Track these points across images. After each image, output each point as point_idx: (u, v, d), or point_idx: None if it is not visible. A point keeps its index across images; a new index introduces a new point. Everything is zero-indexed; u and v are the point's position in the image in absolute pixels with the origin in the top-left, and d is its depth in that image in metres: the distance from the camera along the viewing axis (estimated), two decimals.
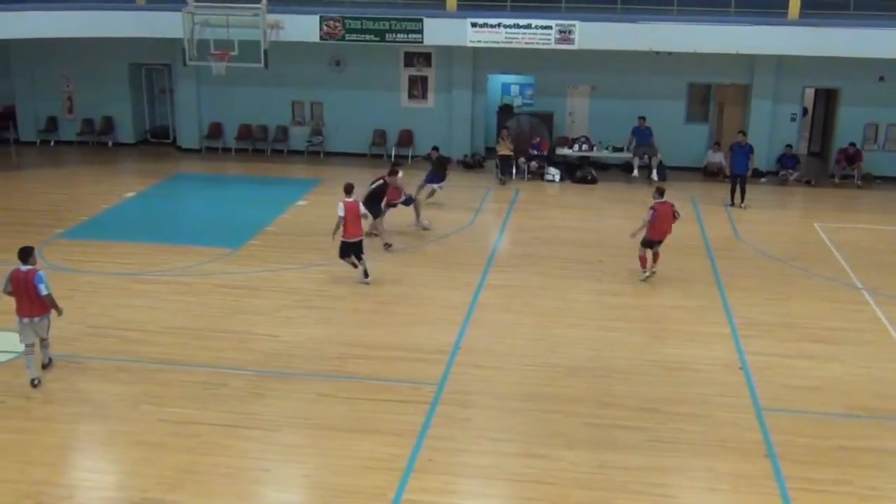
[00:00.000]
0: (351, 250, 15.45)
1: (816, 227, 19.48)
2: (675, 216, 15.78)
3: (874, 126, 23.82)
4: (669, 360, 12.80)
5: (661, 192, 15.87)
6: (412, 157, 24.47)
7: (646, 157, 23.28)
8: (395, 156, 24.90)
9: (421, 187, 19.98)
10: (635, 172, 23.23)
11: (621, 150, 23.87)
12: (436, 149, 20.76)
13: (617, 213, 19.43)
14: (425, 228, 18.67)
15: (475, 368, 12.39)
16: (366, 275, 15.47)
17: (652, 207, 15.65)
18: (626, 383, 12.07)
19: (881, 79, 23.19)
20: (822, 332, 13.88)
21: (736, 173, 21.22)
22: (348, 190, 15.45)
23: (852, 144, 23.57)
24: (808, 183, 23.39)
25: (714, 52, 22.16)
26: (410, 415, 11.03)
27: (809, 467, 10.12)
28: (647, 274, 15.79)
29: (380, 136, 25.43)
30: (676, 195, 21.03)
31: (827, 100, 25.66)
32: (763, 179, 23.27)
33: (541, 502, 9.40)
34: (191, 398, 11.39)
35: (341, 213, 15.20)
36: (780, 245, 18.25)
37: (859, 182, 23.26)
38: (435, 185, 20.14)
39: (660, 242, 15.81)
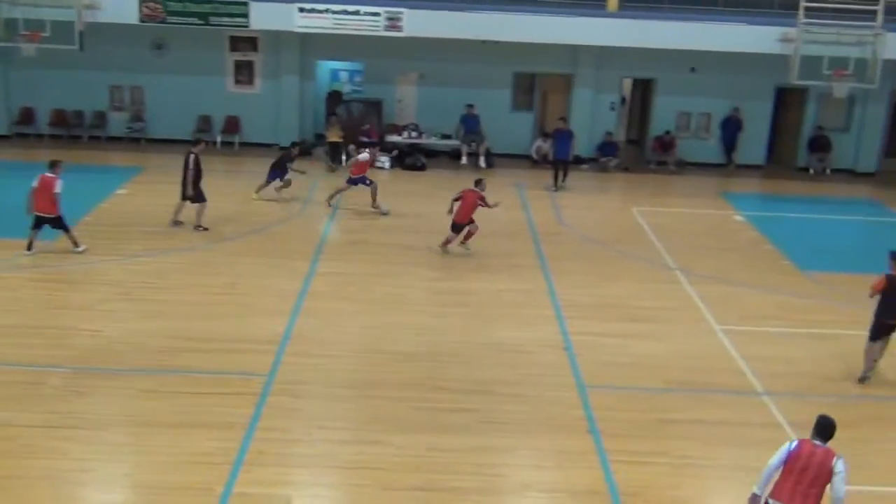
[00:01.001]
0: (43, 223, 15.55)
1: (634, 212, 20.40)
2: (477, 204, 16.54)
3: (686, 115, 25.11)
4: (499, 343, 13.11)
5: (475, 182, 16.94)
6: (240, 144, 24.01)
7: (474, 144, 23.71)
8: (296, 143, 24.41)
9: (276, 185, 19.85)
10: (464, 160, 23.62)
11: (450, 137, 24.19)
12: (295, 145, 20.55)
13: (447, 199, 19.63)
14: (383, 213, 19.16)
15: (306, 357, 12.29)
16: (29, 247, 15.56)
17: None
18: (457, 367, 12.28)
19: (693, 70, 24.45)
20: (640, 312, 14.56)
21: (558, 159, 22.01)
22: (51, 165, 15.68)
23: (667, 132, 24.79)
24: (626, 169, 24.44)
25: (539, 43, 22.75)
26: (240, 407, 10.82)
27: (629, 440, 10.62)
28: (442, 250, 16.73)
29: (204, 122, 24.75)
30: (503, 182, 21.52)
31: (643, 90, 26.85)
32: (585, 166, 24.14)
33: (372, 488, 9.45)
34: (5, 399, 10.77)
35: (34, 183, 15.43)
36: (600, 229, 19.01)
37: (673, 168, 24.49)
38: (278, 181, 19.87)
39: (461, 226, 16.59)
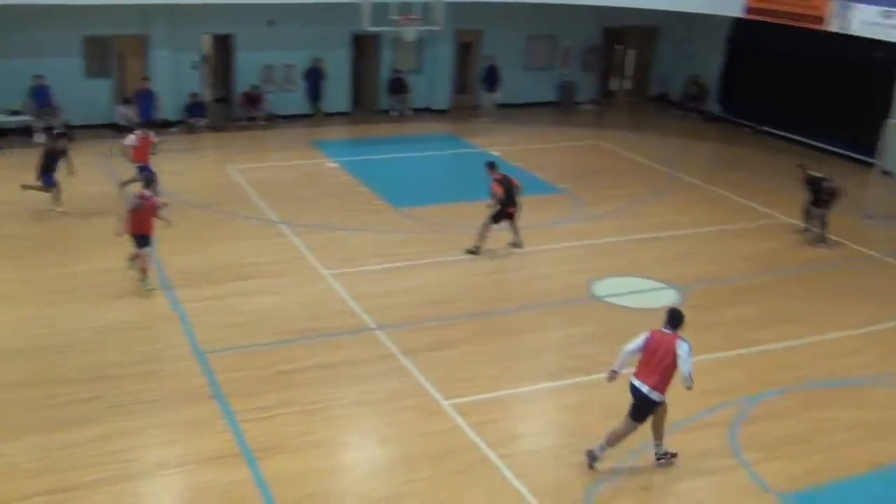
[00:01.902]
0: None
1: (230, 170, 20.24)
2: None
3: (270, 68, 25.21)
4: (111, 324, 12.52)
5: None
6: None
7: (47, 118, 22.02)
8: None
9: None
10: (39, 135, 21.88)
11: (20, 112, 22.23)
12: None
13: (28, 180, 18.12)
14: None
15: None
16: None
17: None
18: (70, 356, 11.56)
19: (269, 23, 24.52)
20: (250, 269, 14.61)
21: (143, 121, 21.26)
22: None
23: (254, 87, 24.75)
24: (216, 129, 24.09)
25: (105, 4, 21.51)
26: None
27: (255, 398, 10.72)
28: (148, 287, 13.74)
29: None
30: (88, 153, 20.26)
31: (224, 46, 26.47)
32: (174, 129, 23.44)
33: None
34: None
35: None
36: (199, 192, 18.62)
37: (263, 122, 24.58)
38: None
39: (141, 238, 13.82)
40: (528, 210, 17.76)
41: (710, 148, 24.77)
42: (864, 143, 20.51)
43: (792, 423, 10.72)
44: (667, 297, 14.16)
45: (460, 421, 10.45)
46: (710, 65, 27.54)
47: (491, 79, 26.08)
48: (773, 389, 11.49)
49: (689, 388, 9.30)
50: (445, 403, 10.82)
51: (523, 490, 9.24)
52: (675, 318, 9.59)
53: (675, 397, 11.06)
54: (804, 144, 24.11)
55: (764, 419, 10.79)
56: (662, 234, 17.10)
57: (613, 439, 9.57)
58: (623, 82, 30.08)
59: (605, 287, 14.53)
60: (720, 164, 22.53)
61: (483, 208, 15.55)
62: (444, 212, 17.09)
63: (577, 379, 11.55)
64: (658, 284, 14.71)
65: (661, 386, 9.38)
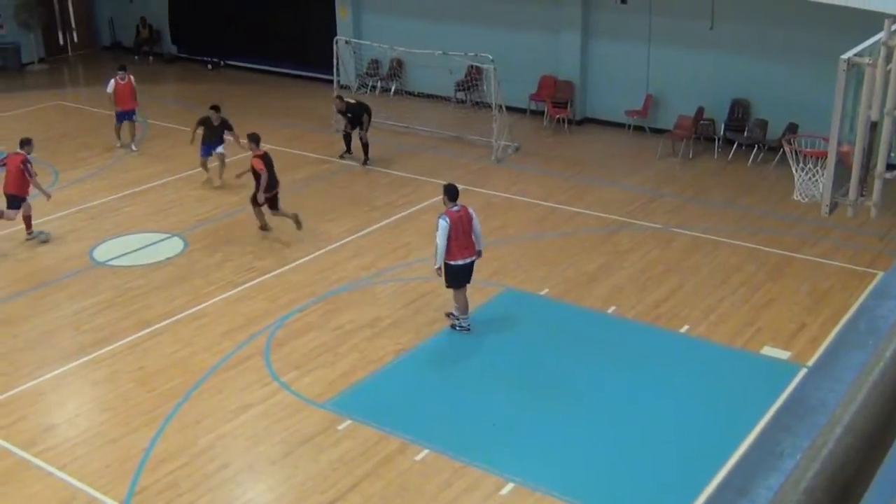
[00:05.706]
0: None
1: None
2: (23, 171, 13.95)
3: None
4: None
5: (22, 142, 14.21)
6: None
7: None
8: None
9: None
10: None
11: None
12: None
13: None
14: None
15: None
16: None
17: None
18: None
19: None
20: None
21: None
22: None
23: None
24: None
25: None
26: None
27: None
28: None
29: None
30: None
31: None
32: None
33: None
34: None
35: None
36: None
37: None
38: None
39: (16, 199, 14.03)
40: None
41: (176, 90, 24.52)
42: (320, 62, 21.63)
43: (318, 335, 11.30)
44: (171, 248, 13.96)
45: None
46: (156, 5, 26.94)
47: None
48: (293, 309, 11.97)
49: (479, 250, 10.82)
50: None
51: (72, 480, 8.66)
52: (454, 193, 10.63)
53: (203, 342, 11.09)
54: (267, 72, 24.87)
55: (292, 339, 11.23)
56: (151, 184, 16.70)
57: (463, 308, 11.01)
58: (70, 35, 28.29)
59: (106, 251, 13.88)
60: (188, 104, 22.38)
61: None
62: None
63: (100, 351, 10.99)
64: (159, 236, 14.40)
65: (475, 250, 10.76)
